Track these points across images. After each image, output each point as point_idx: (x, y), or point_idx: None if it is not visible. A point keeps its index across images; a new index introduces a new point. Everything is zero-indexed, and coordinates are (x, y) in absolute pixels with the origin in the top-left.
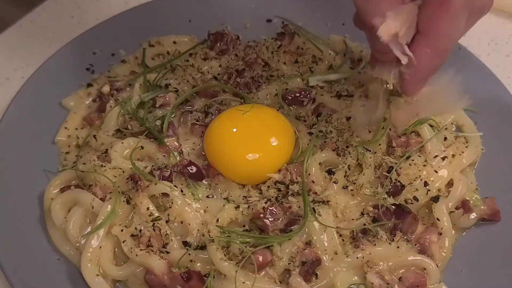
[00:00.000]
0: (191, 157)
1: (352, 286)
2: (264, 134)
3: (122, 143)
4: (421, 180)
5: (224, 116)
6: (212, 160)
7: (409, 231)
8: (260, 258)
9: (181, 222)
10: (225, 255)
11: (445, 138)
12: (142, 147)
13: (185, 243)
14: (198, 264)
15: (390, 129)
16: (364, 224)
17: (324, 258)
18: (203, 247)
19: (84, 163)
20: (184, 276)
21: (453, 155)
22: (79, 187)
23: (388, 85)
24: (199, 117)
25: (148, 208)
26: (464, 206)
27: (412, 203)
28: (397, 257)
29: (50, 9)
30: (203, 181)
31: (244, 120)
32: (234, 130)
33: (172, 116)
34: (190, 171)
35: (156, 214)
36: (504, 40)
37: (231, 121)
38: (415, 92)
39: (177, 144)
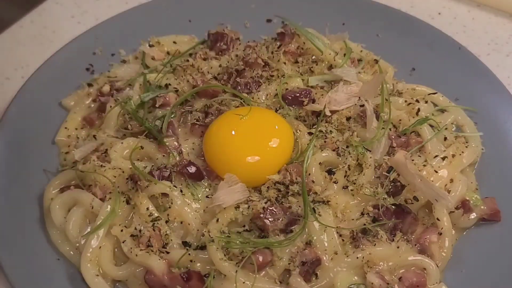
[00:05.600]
0: (190, 157)
1: (352, 286)
2: (263, 136)
3: (122, 143)
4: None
5: (222, 120)
6: (212, 164)
7: (409, 231)
8: (260, 258)
9: (181, 222)
10: (225, 255)
11: (445, 138)
12: (141, 147)
13: (185, 243)
14: (198, 264)
15: (390, 129)
16: (364, 224)
17: (324, 258)
18: (203, 247)
19: (84, 163)
20: (184, 276)
21: (453, 155)
22: (79, 187)
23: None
24: (199, 117)
25: (147, 208)
26: (464, 206)
27: (412, 203)
28: (397, 257)
29: (50, 9)
30: (203, 181)
31: (242, 123)
32: (233, 133)
33: (172, 116)
34: (190, 171)
35: (156, 214)
36: (504, 40)
37: (229, 125)
38: None
39: (176, 144)
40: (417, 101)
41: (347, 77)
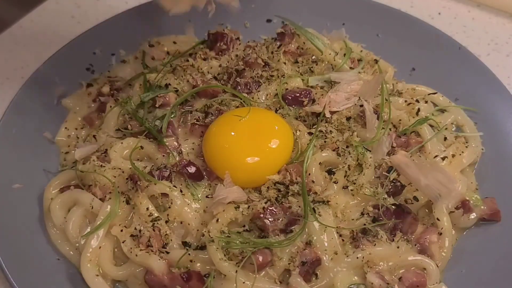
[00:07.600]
0: (190, 157)
1: (352, 286)
2: (262, 137)
3: (122, 143)
4: None
5: (221, 121)
6: (212, 165)
7: (409, 231)
8: (260, 258)
9: (181, 222)
10: (225, 255)
11: (445, 138)
12: (141, 147)
13: (185, 243)
14: (198, 264)
15: (390, 129)
16: (364, 224)
17: (324, 258)
18: (203, 247)
19: (84, 163)
20: (184, 276)
21: (453, 155)
22: (79, 187)
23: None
24: (199, 117)
25: (147, 208)
26: (464, 206)
27: (412, 203)
28: (397, 257)
29: (50, 9)
30: (203, 181)
31: (242, 124)
32: (232, 133)
33: (172, 116)
34: (190, 171)
35: (156, 214)
36: (504, 40)
37: (228, 126)
38: None
39: (176, 144)
40: (417, 101)
41: (346, 80)
